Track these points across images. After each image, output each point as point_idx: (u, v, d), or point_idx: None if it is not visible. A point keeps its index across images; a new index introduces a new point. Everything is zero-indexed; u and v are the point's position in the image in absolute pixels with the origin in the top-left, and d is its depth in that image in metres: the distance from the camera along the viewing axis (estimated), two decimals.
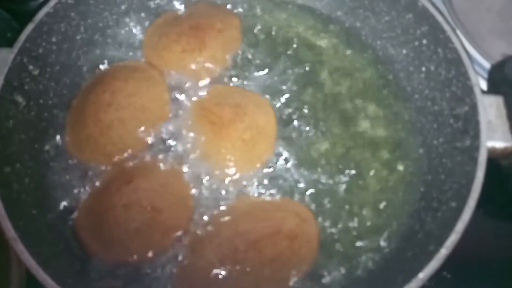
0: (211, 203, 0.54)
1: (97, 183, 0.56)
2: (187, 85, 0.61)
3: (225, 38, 0.64)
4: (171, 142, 0.58)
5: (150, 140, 0.58)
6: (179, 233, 0.52)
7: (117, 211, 0.52)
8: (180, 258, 0.51)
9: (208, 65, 0.62)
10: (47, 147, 0.58)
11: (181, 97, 0.61)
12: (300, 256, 0.51)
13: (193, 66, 0.62)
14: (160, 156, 0.57)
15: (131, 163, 0.56)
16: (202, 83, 0.62)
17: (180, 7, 0.68)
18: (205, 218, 0.53)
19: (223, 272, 0.49)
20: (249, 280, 0.49)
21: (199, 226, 0.53)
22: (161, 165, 0.56)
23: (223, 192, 0.55)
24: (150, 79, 0.61)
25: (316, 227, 0.53)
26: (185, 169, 0.56)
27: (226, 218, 0.53)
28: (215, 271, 0.49)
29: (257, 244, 0.50)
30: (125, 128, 0.57)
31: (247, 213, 0.53)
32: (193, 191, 0.55)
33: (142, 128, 0.58)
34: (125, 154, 0.57)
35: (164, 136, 0.58)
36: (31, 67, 0.56)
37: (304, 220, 0.53)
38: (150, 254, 0.51)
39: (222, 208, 0.54)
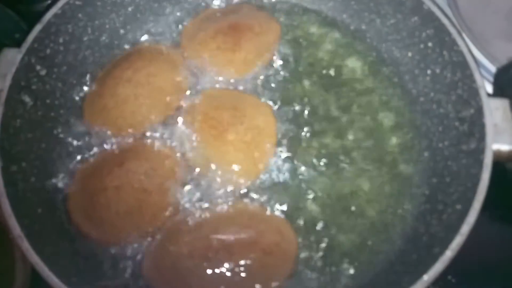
0: (201, 198, 0.55)
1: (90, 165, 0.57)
2: (212, 82, 0.62)
3: (261, 42, 0.63)
4: (168, 136, 0.59)
5: (154, 126, 0.59)
6: (166, 214, 0.53)
7: (109, 193, 0.53)
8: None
9: (237, 66, 0.62)
10: (53, 146, 0.58)
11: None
12: (270, 273, 0.51)
13: (223, 65, 0.62)
14: (156, 142, 0.58)
15: (123, 146, 0.57)
16: (225, 82, 0.62)
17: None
18: (191, 210, 0.54)
19: (189, 264, 0.50)
20: (211, 280, 0.49)
21: (184, 216, 0.54)
22: (154, 148, 0.57)
23: (214, 190, 0.55)
24: (172, 63, 0.62)
25: (295, 248, 0.52)
26: (180, 163, 0.57)
27: (211, 216, 0.53)
28: (183, 261, 0.50)
29: (230, 247, 0.50)
30: (139, 104, 0.59)
31: (231, 217, 0.53)
32: (188, 185, 0.55)
33: (155, 108, 0.59)
34: (132, 131, 0.58)
35: (166, 130, 0.59)
36: (38, 67, 0.57)
37: (284, 239, 0.52)
38: (138, 235, 0.52)
39: (210, 205, 0.54)
